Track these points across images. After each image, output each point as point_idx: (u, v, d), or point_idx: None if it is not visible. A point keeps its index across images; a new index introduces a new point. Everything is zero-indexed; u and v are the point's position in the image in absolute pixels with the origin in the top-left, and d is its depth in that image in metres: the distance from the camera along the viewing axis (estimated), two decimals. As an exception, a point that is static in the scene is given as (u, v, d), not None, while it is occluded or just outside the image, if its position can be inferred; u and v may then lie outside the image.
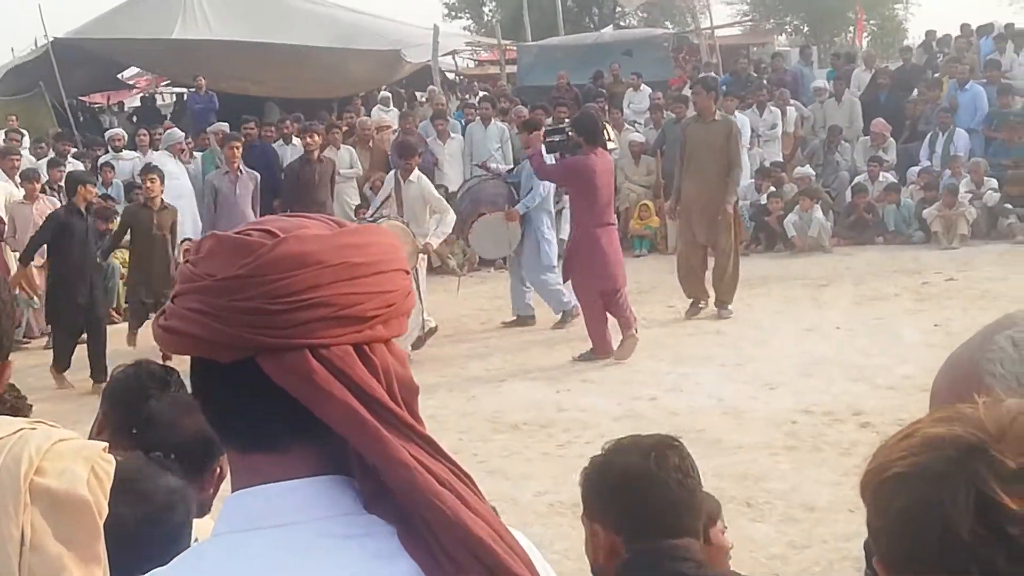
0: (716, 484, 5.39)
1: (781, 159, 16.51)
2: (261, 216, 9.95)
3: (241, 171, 11.66)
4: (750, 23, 33.48)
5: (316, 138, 12.97)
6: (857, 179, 15.82)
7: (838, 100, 17.41)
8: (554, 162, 10.03)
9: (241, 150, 11.81)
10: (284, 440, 1.21)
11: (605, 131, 9.70)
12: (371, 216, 11.08)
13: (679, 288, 12.38)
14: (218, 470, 3.00)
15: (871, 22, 37.62)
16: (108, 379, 3.11)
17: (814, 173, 15.81)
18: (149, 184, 10.43)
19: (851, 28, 35.40)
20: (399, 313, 1.25)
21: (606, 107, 17.79)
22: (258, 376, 1.18)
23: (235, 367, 1.19)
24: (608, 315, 9.70)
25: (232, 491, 1.25)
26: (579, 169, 9.51)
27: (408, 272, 1.30)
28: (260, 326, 1.17)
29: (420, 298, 9.56)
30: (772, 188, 15.30)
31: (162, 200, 10.47)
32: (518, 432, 7.83)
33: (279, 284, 1.17)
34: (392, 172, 11.04)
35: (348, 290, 1.19)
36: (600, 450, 2.68)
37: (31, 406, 3.13)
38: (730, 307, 11.10)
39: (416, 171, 10.52)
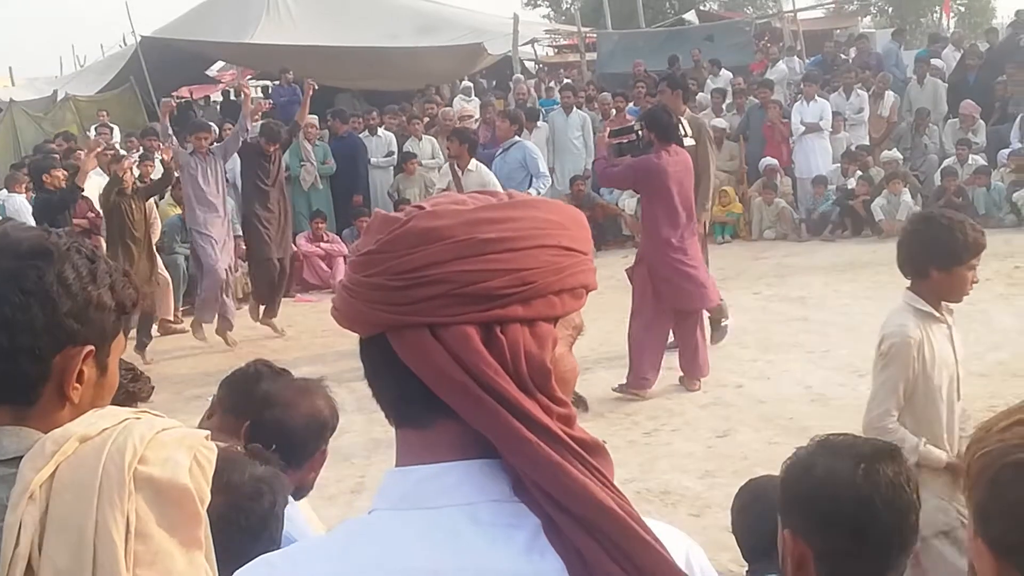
0: (806, 471, 5.34)
1: (867, 143, 16.22)
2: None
3: (211, 152, 11.02)
4: (833, 5, 32.89)
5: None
6: (946, 162, 15.48)
7: (920, 83, 17.04)
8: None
9: (210, 141, 11.28)
10: (425, 415, 1.20)
11: (680, 125, 8.48)
12: None
13: (765, 275, 12.28)
14: (322, 454, 3.10)
15: (958, 2, 36.80)
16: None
17: (901, 157, 15.51)
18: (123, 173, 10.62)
19: (937, 8, 34.66)
20: (546, 291, 1.20)
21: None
22: (391, 352, 1.19)
23: (372, 342, 1.21)
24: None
25: (395, 465, 1.26)
26: (648, 170, 8.13)
27: (571, 248, 1.24)
28: (381, 302, 1.18)
29: None
30: (859, 172, 15.04)
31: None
32: (603, 420, 7.81)
33: (401, 260, 1.17)
34: (449, 163, 10.82)
35: (471, 267, 1.17)
36: (808, 441, 2.44)
37: (152, 388, 3.17)
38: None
39: (474, 160, 10.08)
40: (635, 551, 1.14)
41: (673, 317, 8.37)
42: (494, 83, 22.88)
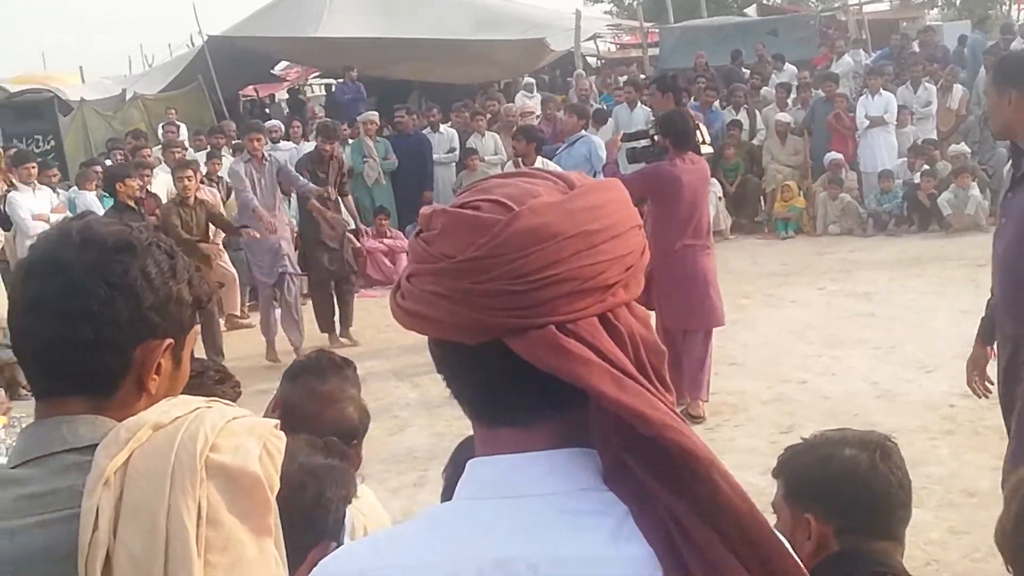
0: (871, 468, 5.30)
1: (935, 137, 15.98)
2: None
3: (267, 158, 10.78)
4: (900, -2, 32.42)
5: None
6: (1016, 156, 15.21)
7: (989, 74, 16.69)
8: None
9: (263, 143, 11.22)
10: (528, 415, 1.19)
11: (698, 132, 7.89)
12: None
13: (829, 270, 12.16)
14: (356, 455, 3.13)
15: (1030, -7, 36.08)
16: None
17: (969, 151, 15.25)
18: (186, 182, 10.43)
19: (1007, 0, 34.02)
20: (638, 272, 1.21)
21: (748, 89, 17.52)
22: (503, 355, 1.16)
23: (481, 347, 1.17)
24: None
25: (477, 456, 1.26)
26: (660, 177, 7.48)
27: (640, 226, 1.25)
28: (505, 307, 1.15)
29: None
30: (925, 166, 14.82)
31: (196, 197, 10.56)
32: (666, 415, 7.76)
33: (519, 263, 1.14)
34: (514, 160, 10.70)
35: (589, 260, 1.16)
36: (800, 439, 2.66)
37: (240, 391, 3.20)
38: None
39: (540, 158, 9.78)
40: (762, 542, 1.15)
41: (681, 334, 7.66)
42: (557, 72, 22.83)
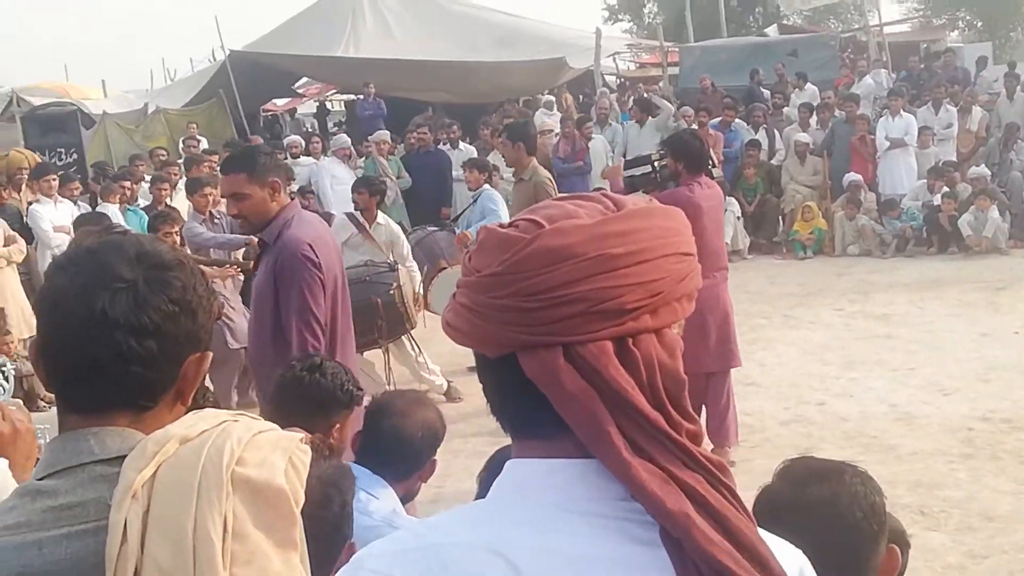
0: (889, 491, 5.23)
1: (955, 159, 15.94)
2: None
3: (216, 215, 9.48)
4: (920, 19, 32.39)
5: None
6: (1036, 179, 15.16)
7: (1010, 98, 16.67)
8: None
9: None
10: (549, 429, 1.20)
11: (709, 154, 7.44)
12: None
13: (848, 291, 12.12)
14: (432, 463, 3.20)
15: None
16: None
17: (989, 173, 15.21)
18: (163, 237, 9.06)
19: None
20: (671, 299, 1.21)
21: (768, 109, 17.56)
22: (520, 371, 1.19)
23: (502, 361, 1.21)
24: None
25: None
26: (682, 204, 5.92)
27: (688, 253, 1.25)
28: (516, 323, 1.18)
29: None
30: (945, 188, 14.79)
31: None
32: (684, 435, 7.74)
33: (534, 281, 1.17)
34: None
35: (606, 283, 1.17)
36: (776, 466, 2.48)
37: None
38: None
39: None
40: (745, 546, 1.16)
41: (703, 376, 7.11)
42: (579, 96, 22.89)
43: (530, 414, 1.21)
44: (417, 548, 1.21)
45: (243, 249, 9.34)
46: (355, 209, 9.30)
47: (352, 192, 9.50)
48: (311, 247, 4.54)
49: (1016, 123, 16.12)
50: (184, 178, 13.09)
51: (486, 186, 10.30)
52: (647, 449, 1.16)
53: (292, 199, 4.95)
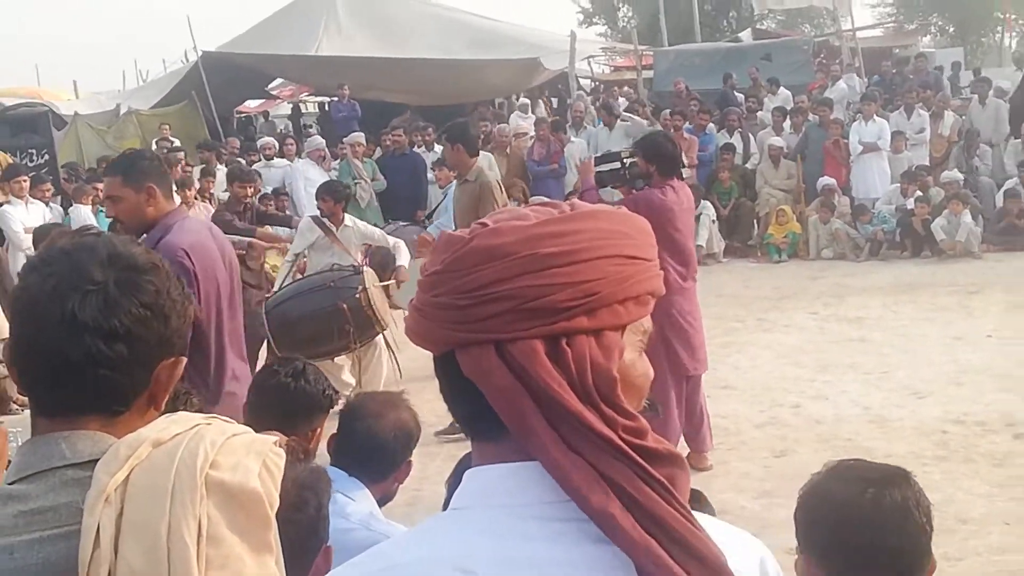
0: (865, 493, 5.30)
1: (928, 163, 16.05)
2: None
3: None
4: (893, 24, 32.64)
5: None
6: (1008, 184, 15.27)
7: (982, 103, 16.80)
8: (615, 199, 7.67)
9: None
10: (496, 429, 1.22)
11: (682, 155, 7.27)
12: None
13: (822, 294, 12.17)
14: (407, 464, 3.20)
15: (1021, 21, 36.34)
16: None
17: (962, 177, 15.32)
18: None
19: (999, 28, 34.27)
20: (611, 301, 1.21)
21: (742, 113, 17.64)
22: (459, 369, 1.22)
23: (445, 359, 1.24)
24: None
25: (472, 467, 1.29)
26: (650, 206, 6.57)
27: (634, 257, 1.25)
28: (452, 321, 1.20)
29: None
30: (918, 192, 14.88)
31: None
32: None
33: (467, 279, 1.20)
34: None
35: (535, 282, 1.18)
36: (822, 466, 2.48)
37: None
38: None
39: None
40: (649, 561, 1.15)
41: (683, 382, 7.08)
42: (549, 96, 22.93)
43: (478, 413, 1.22)
44: (379, 571, 1.22)
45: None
46: (321, 215, 9.21)
47: (316, 199, 9.30)
48: (186, 253, 4.54)
49: (976, 130, 16.24)
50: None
51: (455, 182, 10.33)
52: (577, 446, 1.17)
53: (178, 206, 5.00)
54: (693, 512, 1.19)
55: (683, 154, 7.58)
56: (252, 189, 10.24)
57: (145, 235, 4.64)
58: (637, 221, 1.29)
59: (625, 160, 7.30)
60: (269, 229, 10.48)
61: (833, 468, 2.41)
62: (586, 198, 7.09)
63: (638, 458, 1.17)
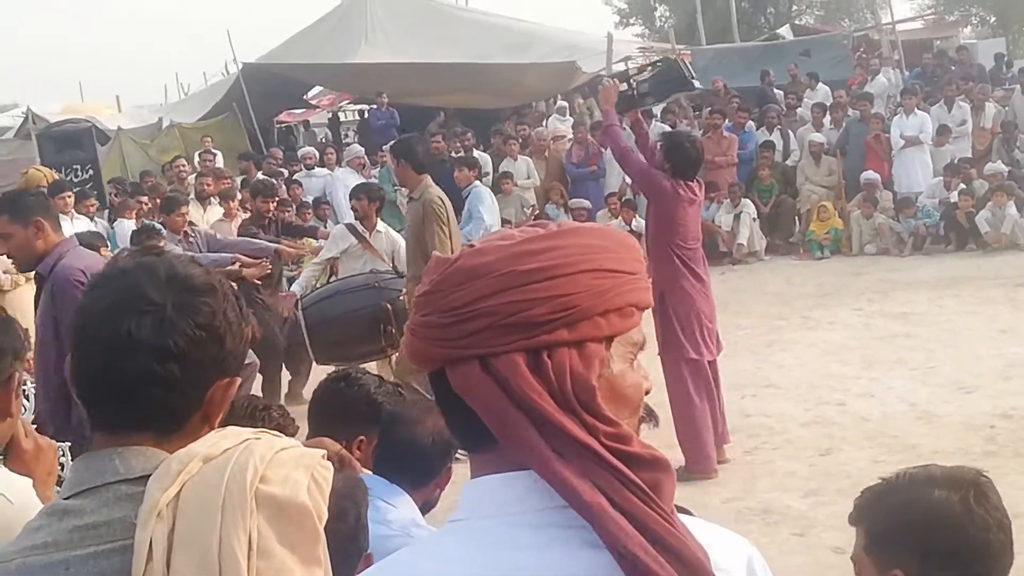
0: (912, 491, 5.25)
1: (970, 155, 15.88)
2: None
3: (191, 233, 9.30)
4: (933, 16, 32.28)
5: None
6: (1053, 175, 15.08)
7: (1024, 94, 16.59)
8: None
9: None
10: (489, 441, 1.27)
11: (685, 67, 7.24)
12: None
13: (866, 290, 12.07)
14: (448, 471, 3.23)
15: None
16: None
17: (1007, 169, 15.14)
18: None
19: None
20: (591, 314, 1.25)
21: (782, 110, 17.52)
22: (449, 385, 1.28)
23: (437, 376, 1.30)
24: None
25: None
26: (659, 187, 6.90)
27: (614, 271, 1.28)
28: (438, 339, 1.27)
29: None
30: (962, 185, 14.73)
31: None
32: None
33: (450, 298, 1.26)
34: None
35: (514, 298, 1.23)
36: (880, 479, 2.38)
37: (298, 427, 3.34)
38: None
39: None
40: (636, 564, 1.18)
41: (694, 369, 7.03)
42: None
43: (471, 427, 1.27)
44: None
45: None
46: (354, 217, 9.21)
47: (351, 199, 9.33)
48: (83, 272, 4.65)
49: (1015, 122, 16.04)
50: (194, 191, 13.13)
51: (476, 183, 10.40)
52: (562, 453, 1.21)
53: (67, 237, 5.11)
54: (679, 515, 1.24)
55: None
56: (275, 203, 10.34)
57: (38, 267, 4.84)
58: (621, 236, 1.35)
59: (632, 80, 7.20)
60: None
61: (913, 473, 2.33)
62: (610, 133, 7.33)
63: (618, 463, 1.21)
